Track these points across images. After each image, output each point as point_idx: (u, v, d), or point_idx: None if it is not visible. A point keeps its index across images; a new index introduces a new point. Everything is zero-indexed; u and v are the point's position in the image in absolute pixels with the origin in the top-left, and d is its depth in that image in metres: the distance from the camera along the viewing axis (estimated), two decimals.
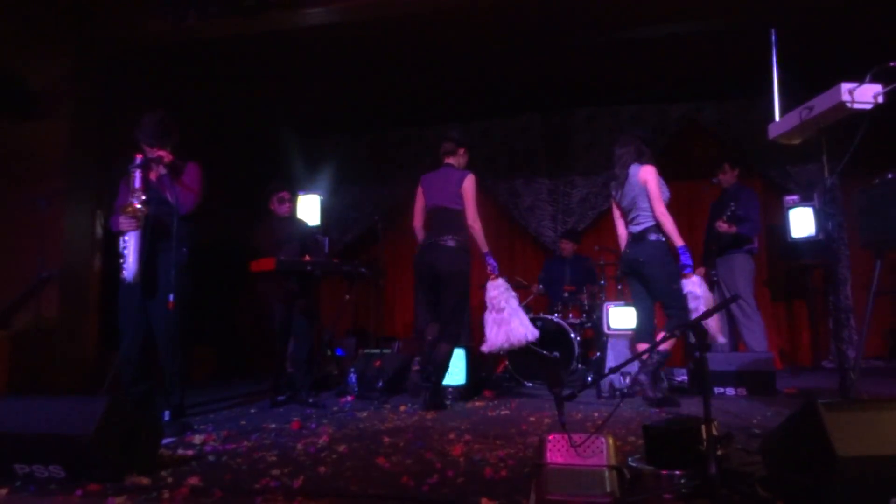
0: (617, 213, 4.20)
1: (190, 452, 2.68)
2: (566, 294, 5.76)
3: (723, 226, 4.84)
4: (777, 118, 2.85)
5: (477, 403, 4.25)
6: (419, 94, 6.75)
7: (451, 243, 3.96)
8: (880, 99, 2.40)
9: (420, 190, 4.25)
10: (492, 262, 4.09)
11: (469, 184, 4.05)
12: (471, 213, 4.03)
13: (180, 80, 6.04)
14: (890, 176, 2.59)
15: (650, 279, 3.88)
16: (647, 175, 3.92)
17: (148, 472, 2.23)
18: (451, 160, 4.23)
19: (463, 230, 4.04)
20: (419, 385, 4.12)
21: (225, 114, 6.95)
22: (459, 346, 4.16)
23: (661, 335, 3.75)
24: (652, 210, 3.88)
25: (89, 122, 5.11)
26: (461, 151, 4.25)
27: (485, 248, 4.06)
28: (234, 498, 1.97)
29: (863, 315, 4.63)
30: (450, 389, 4.54)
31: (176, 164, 3.41)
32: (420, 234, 4.24)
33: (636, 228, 3.95)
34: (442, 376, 3.99)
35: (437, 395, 3.95)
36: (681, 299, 3.75)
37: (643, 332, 3.98)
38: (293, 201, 4.95)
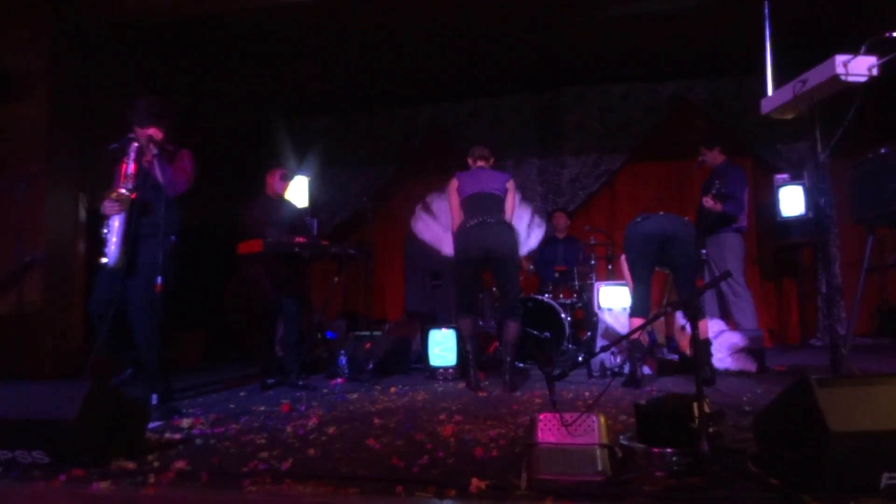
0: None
1: (177, 436, 2.64)
2: (557, 274, 5.75)
3: (708, 201, 4.84)
4: (770, 92, 2.81)
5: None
6: (407, 74, 6.65)
7: (503, 222, 4.04)
8: (875, 71, 2.37)
9: (455, 185, 4.22)
10: None
11: (513, 184, 4.23)
12: (510, 207, 4.17)
13: (162, 59, 5.91)
14: (883, 151, 2.57)
15: (684, 252, 3.93)
16: None
17: (134, 457, 2.20)
18: (482, 164, 4.31)
19: (505, 216, 4.12)
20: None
21: (209, 94, 6.81)
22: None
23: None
24: None
25: (69, 102, 4.98)
26: (493, 160, 4.38)
27: None
28: (222, 481, 1.93)
29: (851, 292, 4.64)
30: (440, 370, 4.55)
31: (166, 145, 3.37)
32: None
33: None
34: (516, 355, 4.05)
35: (514, 374, 3.96)
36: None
37: (645, 309, 4.00)
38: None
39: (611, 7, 5.22)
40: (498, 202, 4.11)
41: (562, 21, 5.47)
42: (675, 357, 4.70)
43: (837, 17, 5.17)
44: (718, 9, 5.20)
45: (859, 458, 1.55)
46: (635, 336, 3.73)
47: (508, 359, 3.96)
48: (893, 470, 1.56)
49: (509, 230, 4.07)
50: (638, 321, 3.94)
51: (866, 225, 2.79)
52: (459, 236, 4.10)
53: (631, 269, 4.10)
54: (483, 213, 4.02)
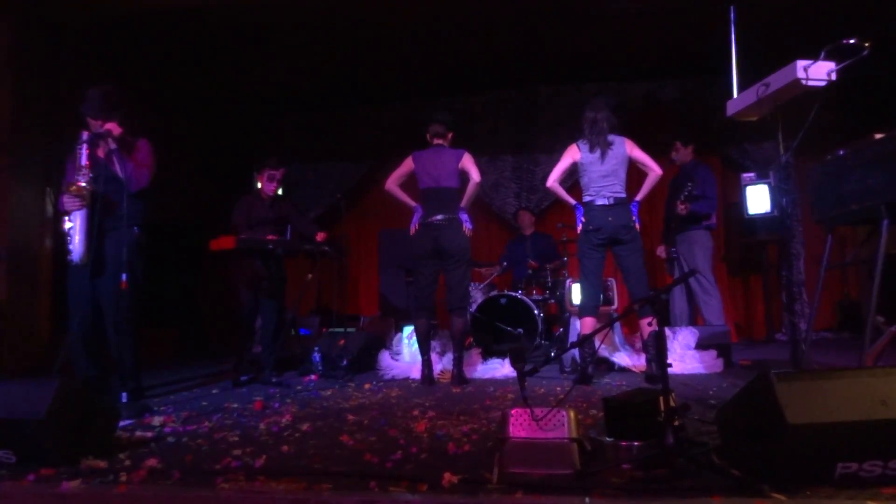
0: (561, 173, 4.23)
1: (149, 434, 2.62)
2: (530, 271, 5.82)
3: (681, 207, 4.96)
4: (735, 95, 2.89)
5: (441, 380, 4.28)
6: (382, 71, 6.63)
7: (452, 221, 4.05)
8: (833, 76, 2.45)
9: (410, 161, 4.23)
10: (465, 216, 4.17)
11: (468, 158, 4.14)
12: (475, 174, 4.10)
13: (131, 51, 5.79)
14: (841, 152, 2.66)
15: (632, 248, 3.90)
16: (634, 149, 3.98)
17: (104, 455, 2.18)
18: (439, 142, 4.26)
19: (458, 207, 4.12)
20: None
21: (181, 89, 6.71)
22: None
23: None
24: (627, 180, 3.99)
25: (34, 95, 4.86)
26: (450, 135, 4.30)
27: (466, 203, 4.17)
28: (194, 479, 1.93)
29: (814, 289, 4.79)
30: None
31: (126, 138, 3.29)
32: (396, 192, 4.24)
33: (613, 198, 3.93)
34: (463, 350, 4.09)
35: (462, 370, 4.04)
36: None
37: (594, 307, 3.98)
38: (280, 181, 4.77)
39: (583, 6, 5.28)
40: (451, 195, 4.10)
41: (536, 19, 5.52)
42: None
43: (802, 21, 5.31)
44: (687, 10, 5.30)
45: (815, 450, 1.62)
46: (601, 334, 3.77)
47: (456, 354, 4.05)
48: (847, 460, 1.62)
49: (458, 228, 4.07)
50: (589, 320, 3.92)
51: (826, 225, 2.89)
52: (415, 234, 4.13)
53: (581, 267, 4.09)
54: (434, 211, 4.06)
